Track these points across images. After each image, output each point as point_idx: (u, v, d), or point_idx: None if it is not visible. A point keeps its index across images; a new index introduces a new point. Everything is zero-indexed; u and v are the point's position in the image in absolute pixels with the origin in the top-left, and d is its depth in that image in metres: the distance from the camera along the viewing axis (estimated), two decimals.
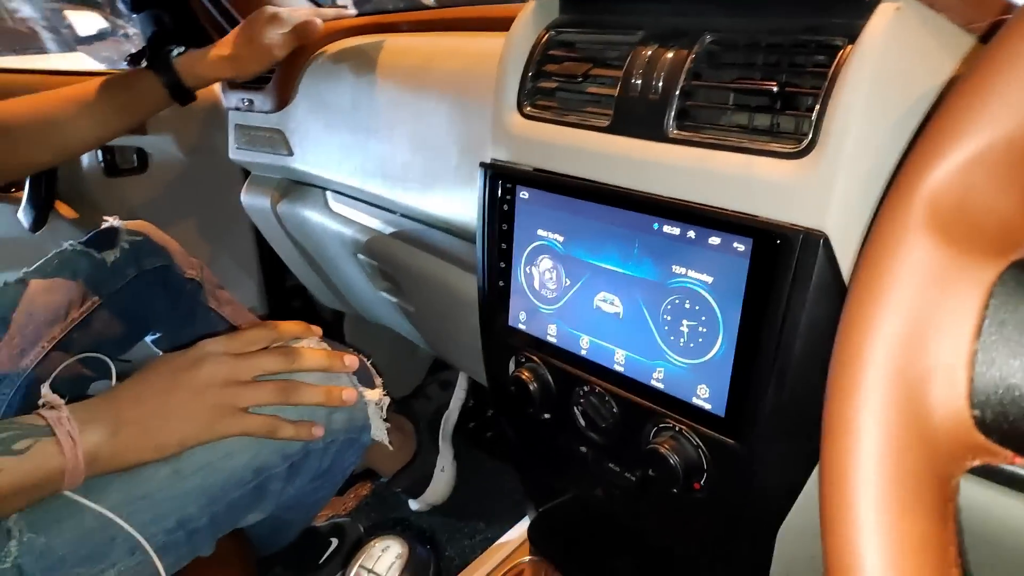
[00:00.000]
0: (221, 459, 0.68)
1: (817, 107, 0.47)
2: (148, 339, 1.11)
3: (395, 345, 1.51)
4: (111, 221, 1.04)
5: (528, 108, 0.66)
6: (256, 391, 0.67)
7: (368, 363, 0.86)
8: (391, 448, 0.88)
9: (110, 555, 0.65)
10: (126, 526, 0.64)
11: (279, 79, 1.09)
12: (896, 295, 0.26)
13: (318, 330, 0.76)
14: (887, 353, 0.26)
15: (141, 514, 0.65)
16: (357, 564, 0.48)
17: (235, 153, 1.23)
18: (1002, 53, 0.25)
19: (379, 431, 0.81)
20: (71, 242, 0.99)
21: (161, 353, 1.13)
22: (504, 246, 0.69)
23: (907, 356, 0.25)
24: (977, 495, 0.45)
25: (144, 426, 0.63)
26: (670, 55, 0.55)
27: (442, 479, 1.40)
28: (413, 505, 1.40)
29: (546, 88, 0.66)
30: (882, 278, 0.26)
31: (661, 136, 0.55)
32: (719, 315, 0.53)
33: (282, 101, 1.11)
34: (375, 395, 0.80)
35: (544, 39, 0.66)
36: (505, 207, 0.68)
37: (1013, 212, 0.25)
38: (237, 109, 1.20)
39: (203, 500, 0.67)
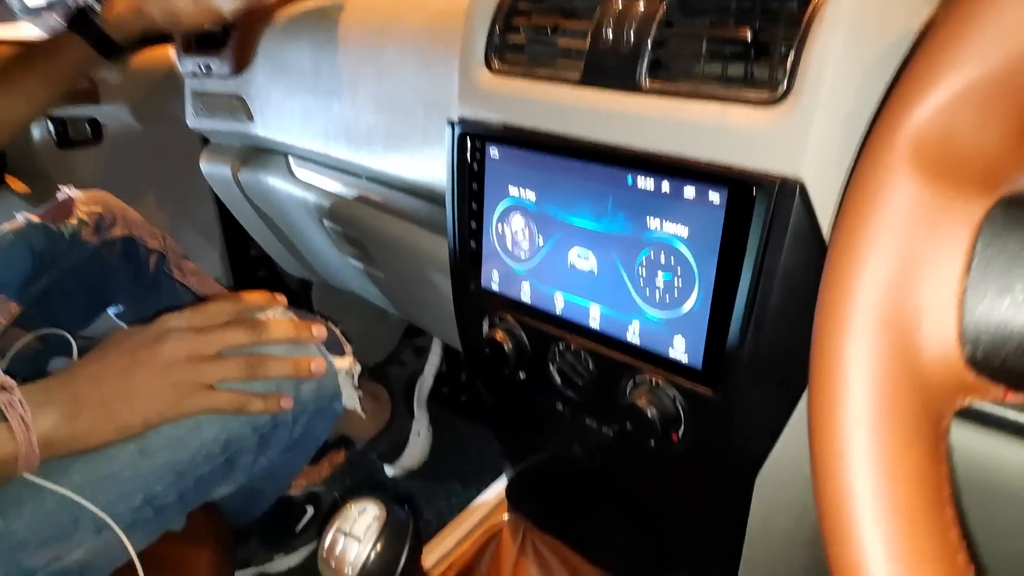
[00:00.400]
0: (188, 434, 0.67)
1: (792, 54, 0.47)
2: (111, 312, 1.08)
3: (366, 312, 1.50)
4: (67, 191, 0.99)
5: (496, 63, 0.64)
6: (221, 367, 0.66)
7: (337, 331, 0.85)
8: (364, 415, 0.87)
9: (74, 535, 0.64)
10: (90, 506, 0.62)
11: (236, 42, 1.05)
12: (882, 236, 0.25)
13: (283, 299, 0.74)
14: (875, 294, 0.25)
15: (106, 493, 0.64)
16: (334, 528, 0.47)
17: (193, 121, 1.19)
18: None
19: (351, 399, 0.81)
20: (24, 214, 0.95)
21: (125, 327, 1.10)
22: (474, 206, 0.68)
23: (895, 297, 0.25)
24: (967, 440, 0.46)
25: (105, 407, 0.61)
26: (641, 4, 0.54)
27: (418, 443, 1.40)
28: (389, 471, 1.40)
29: (515, 42, 0.64)
30: (867, 219, 0.26)
31: (634, 87, 0.54)
32: (695, 267, 0.53)
33: (240, 65, 1.07)
34: (345, 363, 0.79)
35: None
36: (475, 166, 0.66)
37: (998, 148, 0.25)
38: (194, 75, 1.16)
39: (171, 477, 0.66)
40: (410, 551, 0.48)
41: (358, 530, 0.46)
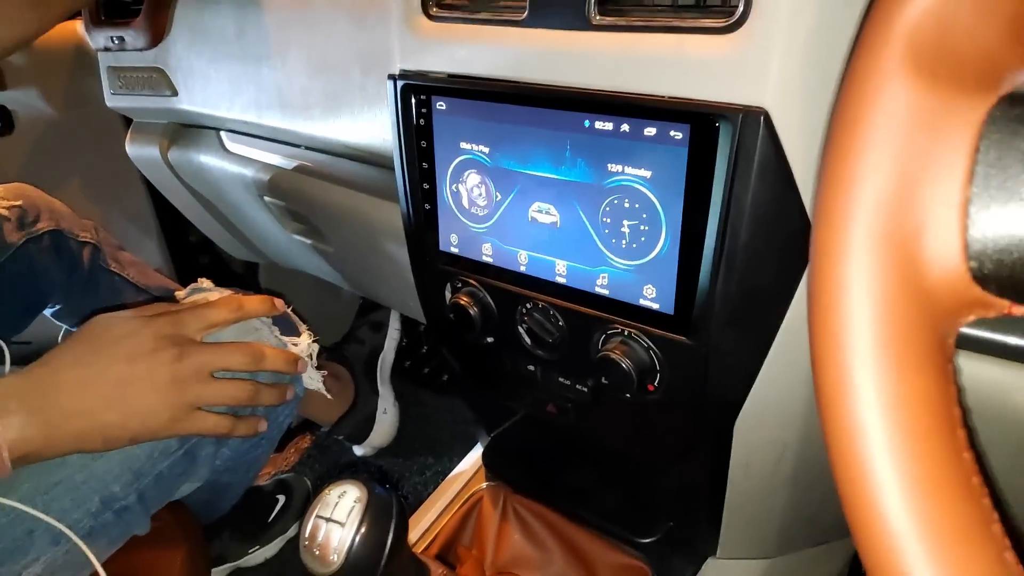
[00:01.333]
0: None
1: None
2: (47, 313, 1.01)
3: (317, 291, 1.45)
4: None
5: (435, 9, 0.60)
6: (220, 392, 0.62)
7: (290, 311, 0.81)
8: (328, 396, 0.84)
9: (31, 549, 0.60)
10: (45, 517, 0.58)
11: (149, 9, 0.98)
12: (878, 145, 0.23)
13: (281, 304, 0.71)
14: (873, 210, 0.23)
15: (59, 501, 0.60)
16: (313, 515, 0.44)
17: (112, 100, 1.11)
18: None
19: (312, 380, 0.77)
20: None
21: (64, 327, 1.04)
22: (425, 165, 0.64)
23: (895, 210, 0.23)
24: (971, 369, 0.45)
25: (94, 419, 0.56)
26: None
27: (385, 421, 1.37)
28: (358, 451, 1.37)
29: None
30: (861, 128, 0.24)
31: (583, 24, 0.51)
32: (661, 211, 0.51)
33: (156, 35, 0.99)
34: (302, 342, 0.76)
35: None
36: (421, 121, 0.63)
37: (997, 42, 0.23)
38: (107, 50, 1.07)
39: (127, 477, 0.62)
40: (396, 530, 0.45)
41: (339, 514, 0.44)
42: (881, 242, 0.23)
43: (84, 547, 0.59)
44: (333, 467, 1.39)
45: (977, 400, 0.44)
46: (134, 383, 0.58)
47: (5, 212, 0.90)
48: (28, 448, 0.53)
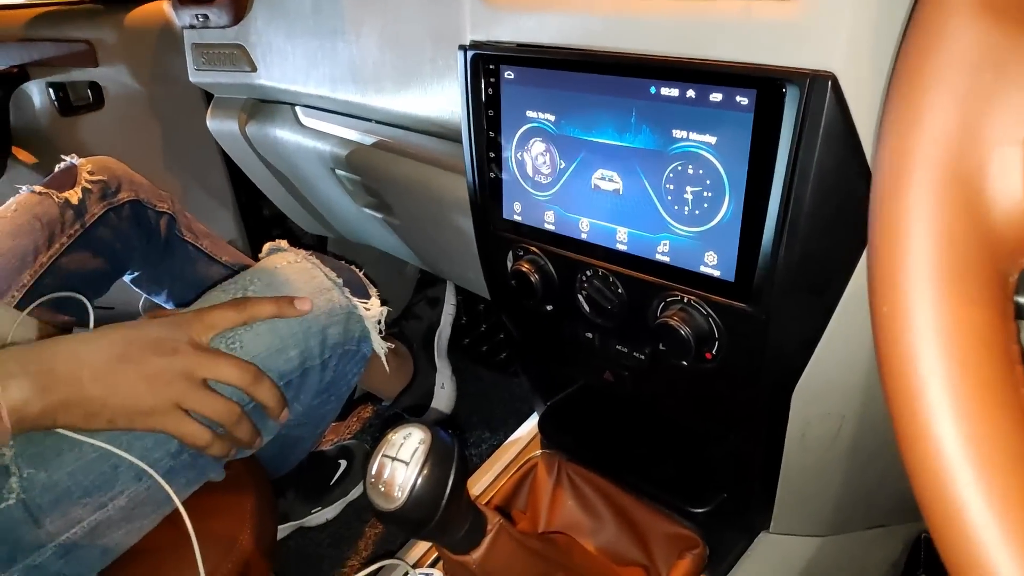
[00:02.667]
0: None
1: None
2: (127, 279, 1.07)
3: (380, 266, 1.49)
4: (69, 160, 0.99)
5: None
6: (203, 401, 0.64)
7: (361, 275, 0.85)
8: (387, 367, 0.87)
9: (116, 483, 0.64)
10: (127, 455, 0.62)
11: None
12: (943, 83, 0.24)
13: (306, 305, 0.74)
14: (936, 146, 0.24)
15: (142, 440, 0.65)
16: (380, 454, 0.47)
17: (195, 75, 1.17)
18: None
19: (378, 342, 0.81)
20: (28, 186, 0.94)
21: (143, 295, 1.10)
22: (492, 134, 0.66)
23: (958, 147, 0.23)
24: None
25: (79, 389, 0.60)
26: None
27: (444, 395, 1.40)
28: None
29: None
30: (927, 66, 0.24)
31: None
32: (725, 177, 0.51)
33: (238, 13, 1.04)
34: (373, 306, 0.79)
35: None
36: (490, 91, 0.64)
37: None
38: (192, 27, 1.13)
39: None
40: (456, 472, 0.48)
41: (404, 454, 0.46)
42: (943, 177, 0.24)
43: (164, 483, 0.64)
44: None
45: None
46: (124, 365, 0.61)
47: (89, 185, 0.96)
48: (25, 412, 0.57)
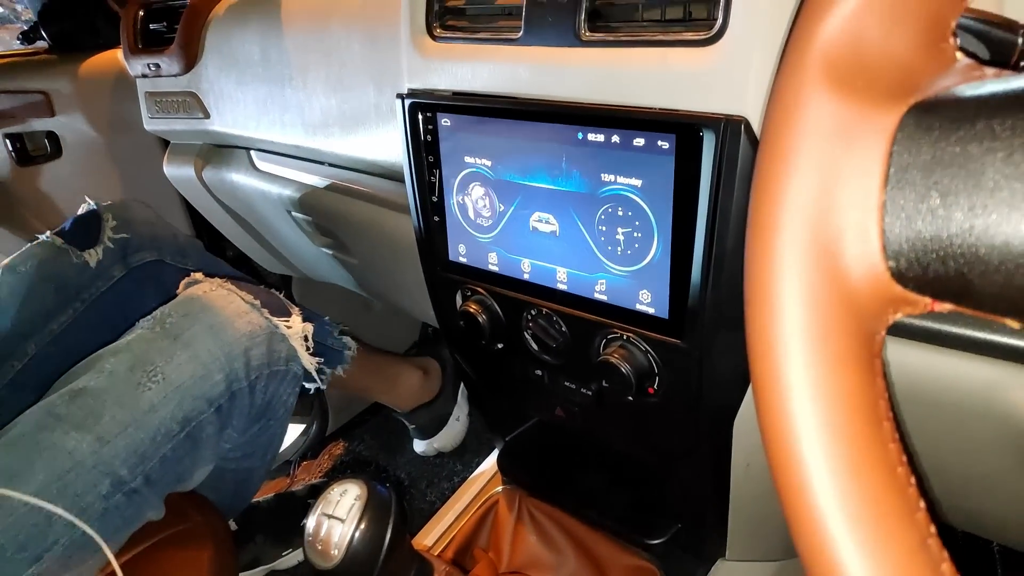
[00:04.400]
0: (144, 417, 0.67)
1: None
2: None
3: (347, 303, 1.49)
4: (91, 204, 0.94)
5: (438, 30, 0.63)
6: None
7: (281, 295, 0.86)
8: (320, 384, 0.87)
9: (50, 534, 0.64)
10: (54, 508, 0.62)
11: (183, 37, 1.03)
12: (800, 156, 0.25)
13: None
14: (797, 216, 0.25)
15: (72, 487, 0.64)
16: (317, 511, 0.47)
17: (150, 123, 1.17)
18: None
19: (306, 359, 0.82)
20: (48, 235, 0.90)
21: None
22: (433, 179, 0.67)
23: (818, 217, 0.25)
24: (899, 354, 0.46)
25: None
26: None
27: (455, 427, 1.39)
28: (419, 446, 1.37)
29: (454, 6, 0.63)
30: (784, 141, 0.25)
31: (574, 40, 0.53)
32: (652, 218, 0.53)
33: (189, 61, 1.05)
34: (295, 323, 0.80)
35: None
36: (428, 137, 0.65)
37: (908, 53, 0.25)
38: (144, 76, 1.13)
39: (133, 460, 0.66)
40: (395, 527, 0.48)
41: (341, 511, 0.46)
42: (806, 246, 0.25)
43: (95, 534, 0.63)
44: (365, 476, 1.42)
45: (906, 382, 0.45)
46: None
47: (112, 245, 0.92)
48: None
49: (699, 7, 0.50)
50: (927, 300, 0.25)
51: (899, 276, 0.24)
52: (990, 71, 0.25)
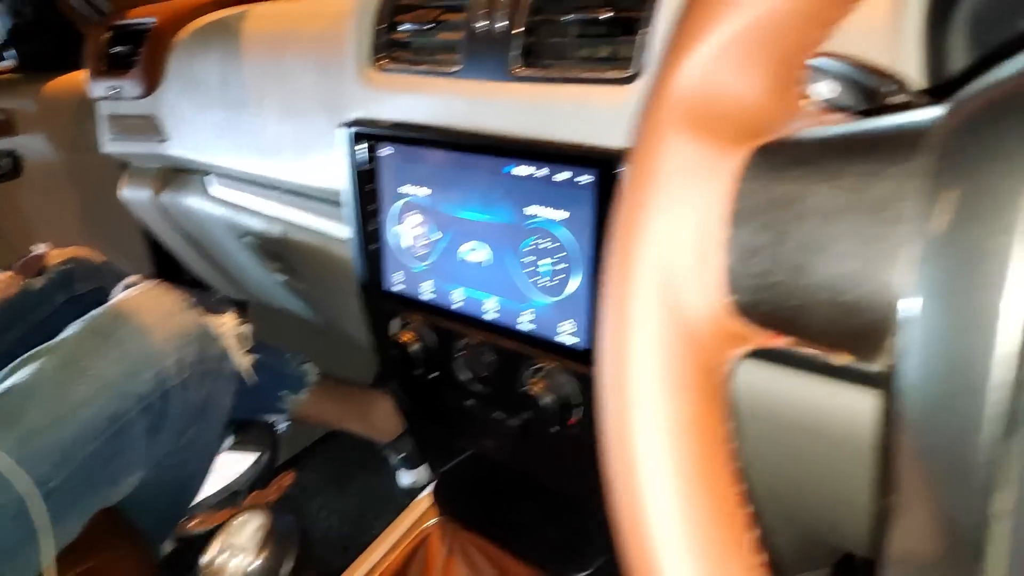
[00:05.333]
0: (70, 412, 0.66)
1: (643, 30, 0.48)
2: None
3: (303, 329, 1.48)
4: (41, 247, 0.98)
5: (383, 61, 0.65)
6: None
7: (219, 294, 0.86)
8: (248, 382, 0.87)
9: None
10: None
11: (145, 61, 1.04)
12: (654, 196, 0.26)
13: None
14: (649, 253, 0.26)
15: None
16: (218, 541, 0.46)
17: (109, 145, 1.18)
18: None
19: (239, 359, 0.81)
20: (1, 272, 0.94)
21: None
22: (371, 207, 0.68)
23: (668, 253, 0.26)
24: (753, 375, 0.47)
25: None
26: None
27: None
28: (405, 479, 1.33)
29: (399, 39, 0.65)
30: (640, 180, 0.27)
31: (507, 75, 0.55)
32: (574, 250, 0.54)
33: (151, 85, 1.06)
34: (226, 323, 0.80)
35: None
36: (368, 166, 0.66)
37: (759, 98, 0.26)
38: (105, 98, 1.14)
39: (56, 456, 0.65)
40: (297, 559, 0.47)
41: (241, 541, 0.45)
42: (655, 282, 0.26)
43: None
44: (312, 508, 1.40)
45: (759, 401, 0.47)
46: None
47: (55, 275, 0.96)
48: None
49: (625, 47, 0.52)
50: (770, 333, 0.26)
51: (742, 311, 0.25)
52: (835, 117, 0.26)
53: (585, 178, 0.51)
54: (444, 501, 0.82)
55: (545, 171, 0.53)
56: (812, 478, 0.52)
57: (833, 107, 0.28)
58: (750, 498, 0.25)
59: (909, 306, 0.21)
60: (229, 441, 1.42)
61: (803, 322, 0.24)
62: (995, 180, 0.19)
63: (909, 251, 0.21)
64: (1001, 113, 0.19)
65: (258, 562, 0.46)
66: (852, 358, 0.24)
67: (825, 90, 0.33)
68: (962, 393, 0.19)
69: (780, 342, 0.25)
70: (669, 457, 0.25)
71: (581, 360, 0.56)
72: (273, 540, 0.46)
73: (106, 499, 0.74)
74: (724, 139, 0.25)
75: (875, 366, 0.23)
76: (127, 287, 0.85)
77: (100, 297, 0.98)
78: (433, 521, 0.82)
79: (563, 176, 0.52)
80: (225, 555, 0.46)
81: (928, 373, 0.20)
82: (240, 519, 0.48)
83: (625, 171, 0.27)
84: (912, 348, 0.21)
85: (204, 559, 0.46)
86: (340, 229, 0.87)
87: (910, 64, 0.37)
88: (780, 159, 0.25)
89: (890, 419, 0.22)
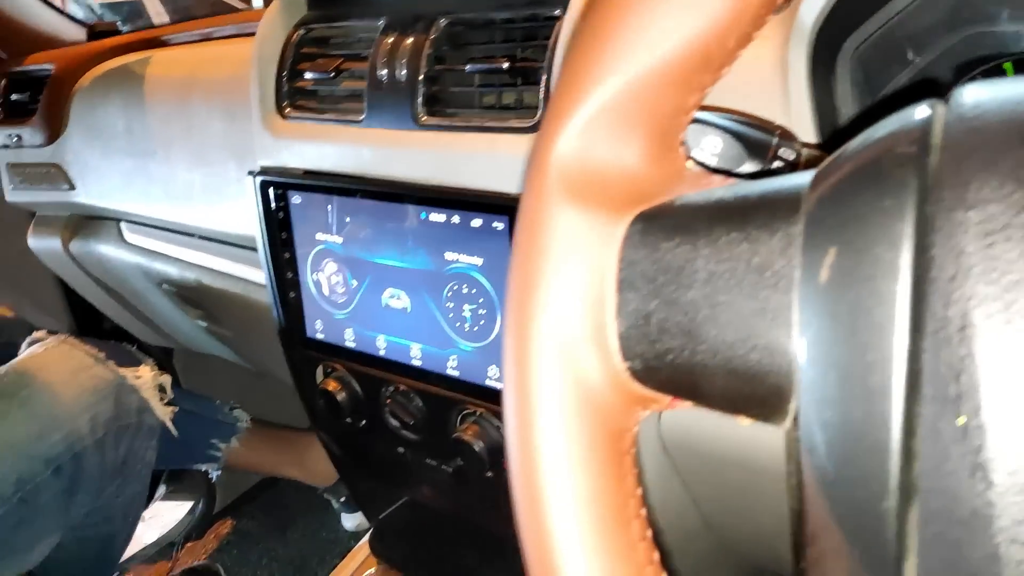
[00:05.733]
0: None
1: (544, 78, 0.48)
2: None
3: (236, 373, 1.43)
4: None
5: (288, 109, 0.63)
6: None
7: (133, 349, 0.84)
8: (175, 434, 0.84)
9: None
10: None
11: (45, 108, 1.00)
12: (541, 268, 0.26)
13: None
14: (544, 324, 0.25)
15: None
16: None
17: (12, 195, 1.12)
18: (590, 20, 0.25)
19: (160, 410, 0.79)
20: None
21: None
22: (287, 255, 0.66)
23: (562, 324, 0.25)
24: (678, 413, 0.48)
25: None
26: (410, 41, 0.55)
27: None
28: (348, 522, 1.30)
29: (303, 87, 0.63)
30: (527, 252, 0.26)
31: (412, 124, 0.54)
32: (494, 294, 0.53)
33: (53, 133, 1.01)
34: (144, 373, 0.78)
35: (294, 38, 0.63)
36: (281, 214, 0.65)
37: (637, 164, 0.26)
38: (5, 147, 1.08)
39: None
40: None
41: None
42: (552, 354, 0.25)
43: None
44: (252, 555, 1.35)
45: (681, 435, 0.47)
46: None
47: None
48: None
49: (530, 95, 0.52)
50: (668, 398, 0.26)
51: (638, 376, 0.25)
52: (717, 179, 0.27)
53: (498, 224, 0.51)
54: (382, 549, 0.80)
55: (460, 218, 0.53)
56: (749, 508, 0.53)
57: (714, 170, 0.29)
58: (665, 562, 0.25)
59: (800, 369, 0.21)
60: (162, 491, 1.37)
61: (701, 388, 0.24)
62: (860, 241, 0.19)
63: (794, 315, 0.21)
64: (857, 182, 0.20)
65: None
66: (754, 421, 0.24)
67: (710, 144, 0.33)
68: (858, 459, 0.19)
69: (680, 405, 0.25)
70: (578, 533, 0.24)
71: None
72: None
73: (19, 565, 0.70)
74: (606, 207, 0.25)
75: (780, 429, 0.23)
76: (31, 343, 0.82)
77: (11, 353, 0.93)
78: (372, 570, 0.80)
79: (478, 222, 0.52)
80: None
81: (826, 439, 0.20)
82: None
83: (513, 242, 0.27)
84: (808, 412, 0.21)
85: None
86: (259, 275, 0.84)
87: (802, 115, 0.38)
88: (662, 225, 0.25)
89: (796, 483, 0.22)
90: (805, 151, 0.34)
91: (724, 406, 0.24)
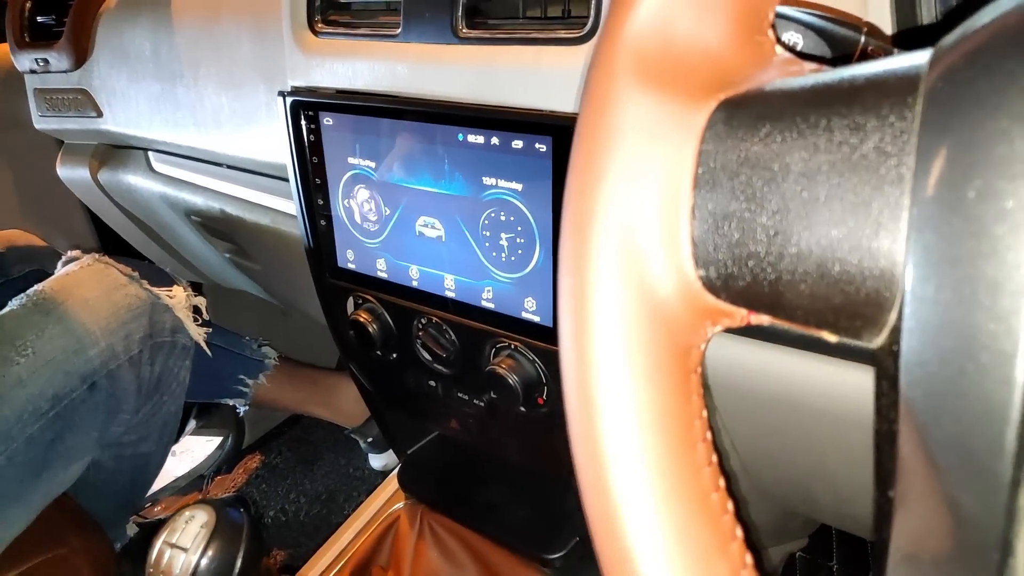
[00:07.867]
0: (9, 391, 0.63)
1: None
2: None
3: (263, 310, 1.43)
4: None
5: (320, 25, 0.60)
6: None
7: (167, 269, 0.84)
8: (210, 353, 0.84)
9: None
10: None
11: (72, 32, 0.97)
12: (609, 159, 0.23)
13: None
14: (608, 224, 0.23)
15: None
16: (159, 541, 0.43)
17: (40, 122, 1.10)
18: None
19: (193, 330, 0.79)
20: None
21: None
22: (318, 181, 0.64)
23: (629, 224, 0.23)
24: (724, 347, 0.45)
25: None
26: None
27: None
28: (375, 462, 1.30)
29: (337, 0, 0.60)
30: (594, 141, 0.23)
31: (451, 37, 0.51)
32: (533, 223, 0.51)
33: (80, 57, 0.99)
34: (177, 293, 0.77)
35: None
36: (312, 137, 0.62)
37: (721, 46, 0.23)
38: (33, 72, 1.06)
39: None
40: (247, 553, 0.44)
41: (185, 540, 0.43)
42: (616, 255, 0.23)
43: None
44: (280, 489, 1.37)
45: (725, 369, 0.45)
46: None
47: None
48: None
49: (580, 5, 0.48)
50: (743, 312, 0.23)
51: (711, 286, 0.22)
52: (809, 66, 0.23)
53: (540, 146, 0.48)
54: (410, 484, 0.80)
55: (500, 139, 0.50)
56: (788, 451, 0.51)
57: (807, 56, 0.25)
58: (731, 490, 0.23)
59: (909, 277, 0.18)
60: (192, 425, 1.39)
61: (785, 299, 0.21)
62: (986, 134, 0.16)
63: (903, 215, 0.18)
64: (1000, 48, 0.17)
65: (204, 560, 0.43)
66: (843, 337, 0.21)
67: (790, 40, 0.30)
68: (976, 376, 0.16)
69: (756, 320, 0.23)
70: (641, 454, 0.22)
71: (547, 338, 0.53)
72: (220, 536, 0.43)
73: (54, 485, 0.70)
74: (686, 93, 0.22)
75: (870, 345, 0.20)
76: (67, 263, 0.81)
77: (39, 279, 0.93)
78: (400, 504, 0.80)
79: (519, 144, 0.49)
80: (167, 557, 0.43)
81: (936, 354, 0.17)
82: (182, 518, 0.45)
83: (576, 132, 0.24)
84: (915, 325, 0.18)
85: (150, 559, 0.43)
86: (290, 205, 0.82)
87: (880, 13, 0.34)
88: (750, 113, 0.22)
89: (888, 404, 0.19)
90: (891, 50, 0.30)
91: (809, 320, 0.21)
